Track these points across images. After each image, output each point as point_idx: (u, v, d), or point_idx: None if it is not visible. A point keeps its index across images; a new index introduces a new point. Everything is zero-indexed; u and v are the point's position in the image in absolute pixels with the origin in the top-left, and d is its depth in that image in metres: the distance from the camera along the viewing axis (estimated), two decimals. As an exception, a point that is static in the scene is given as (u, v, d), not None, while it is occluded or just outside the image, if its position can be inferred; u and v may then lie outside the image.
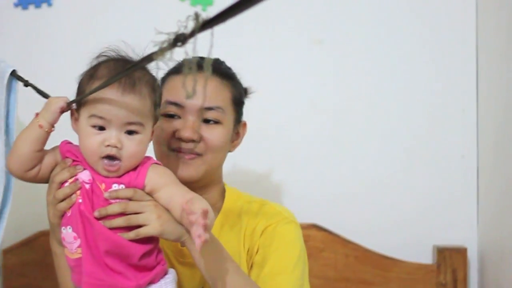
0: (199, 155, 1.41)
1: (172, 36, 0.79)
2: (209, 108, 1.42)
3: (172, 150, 1.41)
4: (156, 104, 1.23)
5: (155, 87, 1.23)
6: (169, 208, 1.21)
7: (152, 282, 1.20)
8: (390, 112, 2.05)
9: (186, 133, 1.38)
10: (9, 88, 1.45)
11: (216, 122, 1.43)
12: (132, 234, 1.19)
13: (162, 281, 1.22)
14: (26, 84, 1.40)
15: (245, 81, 1.54)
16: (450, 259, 1.95)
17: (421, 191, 2.04)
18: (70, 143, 1.26)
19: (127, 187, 1.20)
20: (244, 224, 1.50)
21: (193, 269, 1.28)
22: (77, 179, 1.21)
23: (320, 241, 1.97)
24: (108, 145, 1.17)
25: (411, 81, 2.04)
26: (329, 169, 2.05)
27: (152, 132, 1.25)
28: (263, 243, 1.47)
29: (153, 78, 1.24)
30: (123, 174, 1.20)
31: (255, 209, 1.52)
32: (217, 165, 1.48)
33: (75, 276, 1.23)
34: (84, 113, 1.19)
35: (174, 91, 1.43)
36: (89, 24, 2.06)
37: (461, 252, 1.96)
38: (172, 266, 1.38)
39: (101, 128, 1.18)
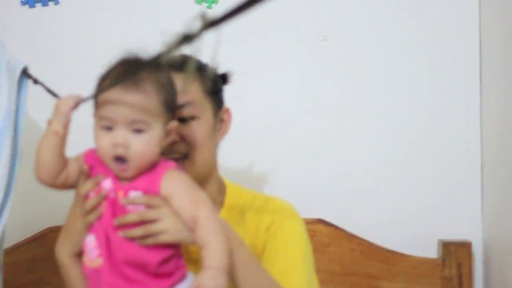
0: (185, 155, 1.39)
1: (179, 36, 0.80)
2: (180, 106, 1.36)
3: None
4: (168, 103, 1.22)
5: (165, 86, 1.22)
6: (179, 217, 1.21)
7: (170, 286, 1.20)
8: (394, 108, 2.05)
9: None
10: (19, 85, 1.46)
11: (192, 118, 1.39)
12: (150, 240, 1.19)
13: (179, 286, 1.21)
14: (36, 81, 1.41)
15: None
16: (455, 253, 1.96)
17: (425, 186, 2.05)
18: None
19: (144, 194, 1.20)
20: (248, 220, 1.49)
21: (197, 266, 1.29)
22: (101, 189, 1.21)
23: (326, 236, 1.98)
24: (116, 144, 1.17)
25: (415, 78, 2.05)
26: (334, 164, 2.06)
27: (170, 131, 1.24)
28: (269, 241, 1.46)
29: (163, 77, 1.22)
30: (138, 179, 1.20)
31: (258, 205, 1.51)
32: (207, 160, 1.44)
33: (92, 285, 1.22)
34: (96, 116, 1.20)
35: None
36: (95, 23, 2.06)
37: (466, 246, 1.97)
38: None
39: (110, 128, 1.18)
